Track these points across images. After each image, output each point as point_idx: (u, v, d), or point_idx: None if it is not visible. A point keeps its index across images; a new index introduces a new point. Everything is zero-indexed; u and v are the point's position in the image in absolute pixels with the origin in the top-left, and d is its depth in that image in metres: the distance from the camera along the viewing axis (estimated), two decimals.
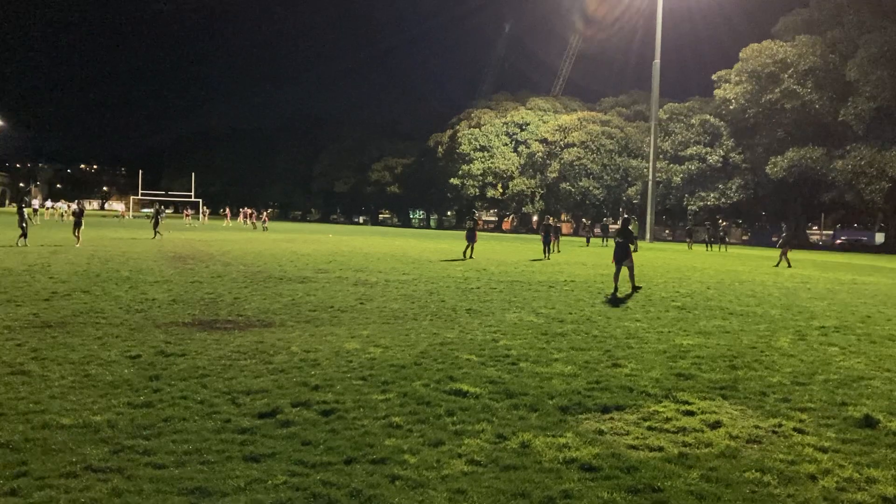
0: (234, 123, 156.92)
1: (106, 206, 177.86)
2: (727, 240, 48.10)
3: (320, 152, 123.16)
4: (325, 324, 10.03)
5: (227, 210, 75.37)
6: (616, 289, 15.69)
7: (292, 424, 5.38)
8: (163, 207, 38.05)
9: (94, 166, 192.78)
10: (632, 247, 16.64)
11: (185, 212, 74.65)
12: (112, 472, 4.32)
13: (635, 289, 15.96)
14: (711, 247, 47.48)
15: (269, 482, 4.26)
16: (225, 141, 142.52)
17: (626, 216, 18.90)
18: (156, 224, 34.77)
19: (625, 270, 16.14)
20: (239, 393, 6.17)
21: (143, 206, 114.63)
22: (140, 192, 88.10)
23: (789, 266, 27.76)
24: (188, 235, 39.26)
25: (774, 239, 30.82)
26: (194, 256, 22.23)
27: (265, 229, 53.24)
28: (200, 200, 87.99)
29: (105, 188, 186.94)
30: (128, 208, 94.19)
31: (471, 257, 26.11)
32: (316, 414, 5.66)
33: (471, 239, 26.53)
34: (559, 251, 32.95)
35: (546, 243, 28.92)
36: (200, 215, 54.90)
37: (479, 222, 34.11)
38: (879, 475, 4.71)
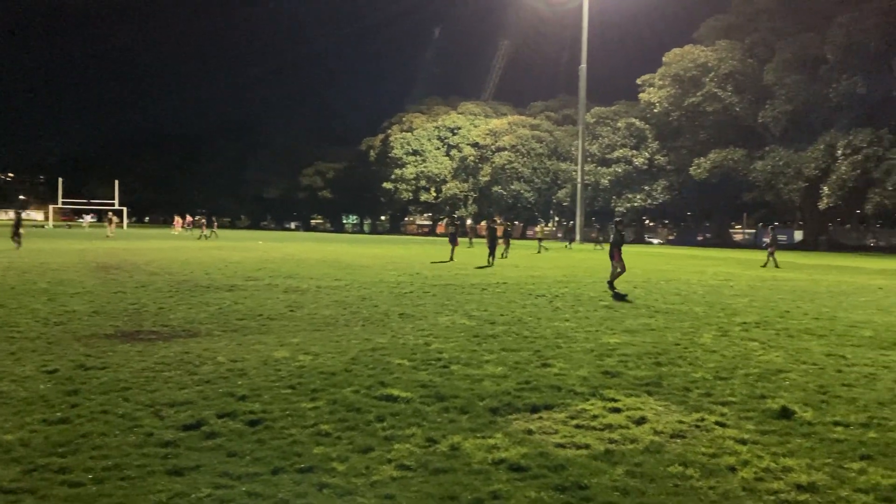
0: (158, 128, 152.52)
1: (24, 215, 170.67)
2: (601, 239, 49.80)
3: (249, 157, 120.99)
4: (254, 332, 9.85)
5: (178, 217, 72.05)
6: (612, 287, 16.77)
7: (218, 436, 5.26)
8: (22, 213, 34.80)
9: (10, 174, 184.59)
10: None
11: (106, 219, 72.17)
12: (24, 492, 4.14)
13: (610, 285, 16.79)
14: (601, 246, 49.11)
15: (193, 495, 4.16)
16: (149, 146, 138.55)
17: (617, 220, 19.20)
18: (15, 233, 29.69)
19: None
20: (162, 405, 6.00)
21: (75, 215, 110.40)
22: (60, 200, 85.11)
23: (777, 266, 28.34)
24: (111, 245, 38.05)
25: (765, 240, 32.03)
26: (118, 266, 21.55)
27: (205, 237, 51.61)
28: (125, 208, 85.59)
29: (22, 197, 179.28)
30: (47, 218, 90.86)
31: (451, 259, 27.88)
32: (242, 424, 5.55)
33: (453, 242, 28.99)
34: (505, 256, 31.66)
35: (491, 248, 26.79)
36: (110, 223, 50.56)
37: (458, 226, 34.29)
38: (794, 464, 4.89)
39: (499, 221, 78.17)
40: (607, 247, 19.20)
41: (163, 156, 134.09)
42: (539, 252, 38.54)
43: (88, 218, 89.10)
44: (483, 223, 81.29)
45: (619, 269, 16.80)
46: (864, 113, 52.08)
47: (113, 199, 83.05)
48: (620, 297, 15.30)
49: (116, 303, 12.69)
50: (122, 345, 8.69)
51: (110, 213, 55.94)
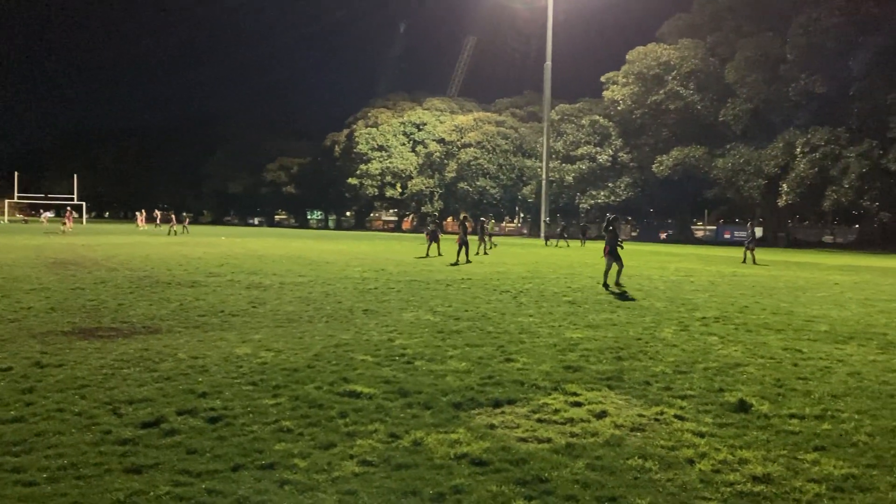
0: (118, 122, 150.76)
1: None
2: (565, 236, 50.26)
3: (212, 152, 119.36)
4: (215, 329, 9.75)
5: (143, 213, 69.78)
6: (605, 283, 17.06)
7: (177, 433, 5.20)
8: None
9: None
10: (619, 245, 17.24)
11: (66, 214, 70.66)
12: None
13: (618, 284, 17.11)
14: (558, 243, 49.61)
15: (151, 493, 4.10)
16: (110, 140, 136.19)
17: (610, 216, 18.88)
18: None
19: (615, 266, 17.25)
20: (121, 403, 5.91)
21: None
22: (16, 195, 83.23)
23: (755, 262, 28.39)
24: (69, 240, 37.31)
25: (746, 235, 32.46)
26: (77, 262, 21.15)
27: (174, 232, 50.51)
28: (84, 203, 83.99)
29: None
30: (2, 213, 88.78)
31: (439, 255, 28.35)
32: (203, 421, 5.49)
33: (434, 239, 29.18)
34: (479, 252, 31.39)
35: (462, 244, 25.36)
36: (68, 217, 48.96)
37: (437, 224, 33.63)
38: (751, 456, 4.99)
39: (466, 217, 78.29)
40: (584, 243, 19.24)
41: (123, 151, 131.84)
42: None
43: (48, 214, 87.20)
44: (451, 219, 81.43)
45: (609, 267, 16.95)
46: (823, 111, 53.11)
47: (72, 193, 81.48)
48: (622, 295, 15.47)
49: (74, 299, 12.46)
50: (79, 342, 8.54)
51: (69, 208, 54.72)
